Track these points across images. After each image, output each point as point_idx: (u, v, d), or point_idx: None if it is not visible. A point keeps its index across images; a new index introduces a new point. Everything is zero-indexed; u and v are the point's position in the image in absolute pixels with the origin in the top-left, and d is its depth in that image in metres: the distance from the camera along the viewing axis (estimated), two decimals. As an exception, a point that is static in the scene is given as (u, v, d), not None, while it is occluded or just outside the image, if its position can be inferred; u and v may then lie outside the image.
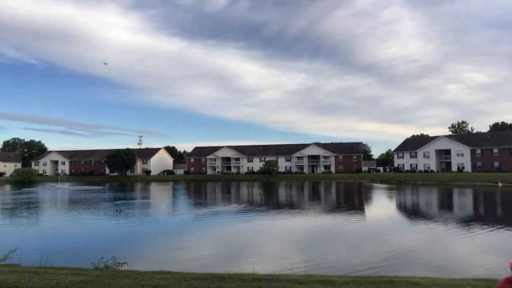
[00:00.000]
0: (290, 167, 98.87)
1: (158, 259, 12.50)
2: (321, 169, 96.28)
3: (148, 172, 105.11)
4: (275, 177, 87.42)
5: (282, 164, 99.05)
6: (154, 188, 61.32)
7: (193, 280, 6.20)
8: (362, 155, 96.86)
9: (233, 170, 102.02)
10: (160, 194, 47.79)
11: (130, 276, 6.55)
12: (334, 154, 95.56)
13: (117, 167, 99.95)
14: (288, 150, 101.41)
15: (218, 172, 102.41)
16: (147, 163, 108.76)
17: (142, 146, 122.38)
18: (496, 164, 74.73)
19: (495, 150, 75.56)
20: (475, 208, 29.44)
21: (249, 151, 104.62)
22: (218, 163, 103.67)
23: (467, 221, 20.79)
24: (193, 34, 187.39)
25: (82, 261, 10.40)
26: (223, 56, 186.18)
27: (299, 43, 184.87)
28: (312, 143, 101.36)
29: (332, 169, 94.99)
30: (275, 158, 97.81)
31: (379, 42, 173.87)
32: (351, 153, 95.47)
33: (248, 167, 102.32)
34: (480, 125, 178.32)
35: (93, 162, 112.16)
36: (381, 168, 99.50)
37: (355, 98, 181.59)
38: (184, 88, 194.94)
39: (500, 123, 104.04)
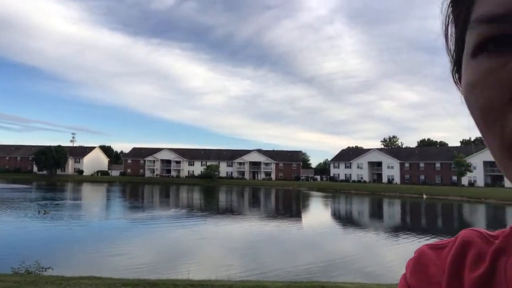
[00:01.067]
0: (232, 172, 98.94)
1: (87, 265, 11.76)
2: (261, 176, 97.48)
3: (80, 172, 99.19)
4: (216, 181, 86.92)
5: (224, 169, 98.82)
6: (86, 189, 57.97)
7: (123, 286, 5.89)
8: (301, 163, 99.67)
9: (173, 174, 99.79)
10: (92, 196, 45.28)
11: (55, 282, 6.05)
12: (275, 162, 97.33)
13: (46, 165, 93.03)
14: (230, 155, 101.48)
15: (157, 175, 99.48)
16: (79, 162, 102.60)
17: (76, 144, 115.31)
18: (422, 177, 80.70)
19: (422, 165, 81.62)
20: (402, 218, 31.50)
21: (190, 155, 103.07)
22: (158, 165, 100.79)
23: (395, 230, 22.16)
24: (137, 31, 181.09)
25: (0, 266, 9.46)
26: (168, 56, 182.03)
27: (246, 49, 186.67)
28: (254, 150, 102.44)
29: (273, 176, 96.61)
30: (217, 163, 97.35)
31: (322, 56, 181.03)
32: (291, 161, 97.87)
33: (188, 171, 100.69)
34: (409, 140, 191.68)
35: (19, 159, 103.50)
36: (318, 177, 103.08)
37: (297, 108, 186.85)
38: (124, 85, 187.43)
39: (426, 140, 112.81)
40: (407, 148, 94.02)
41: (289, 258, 13.74)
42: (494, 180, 73.11)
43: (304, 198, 49.87)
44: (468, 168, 64.54)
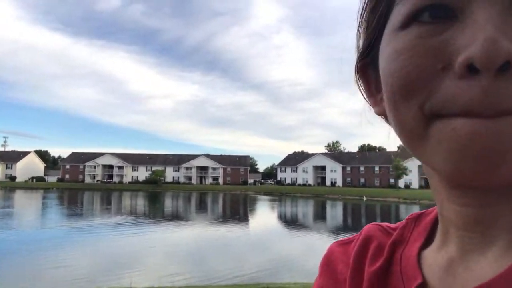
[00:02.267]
0: (178, 177, 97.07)
1: (19, 278, 10.93)
2: (209, 180, 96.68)
3: (12, 178, 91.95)
4: (161, 187, 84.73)
5: (170, 174, 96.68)
6: (19, 196, 53.85)
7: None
8: (249, 168, 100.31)
9: (116, 179, 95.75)
10: (26, 203, 42.16)
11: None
12: (223, 166, 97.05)
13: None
14: (177, 160, 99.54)
15: (98, 180, 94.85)
16: (12, 167, 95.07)
17: (8, 149, 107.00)
18: (362, 180, 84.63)
19: (362, 168, 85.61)
20: (344, 219, 32.82)
21: (134, 160, 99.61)
22: (99, 171, 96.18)
23: (337, 230, 23.04)
24: (79, 31, 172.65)
25: None
26: (112, 59, 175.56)
27: (195, 54, 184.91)
28: (202, 154, 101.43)
29: (220, 180, 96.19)
30: (163, 168, 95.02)
31: (269, 64, 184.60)
32: (239, 165, 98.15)
33: (132, 176, 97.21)
34: (351, 145, 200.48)
35: None
36: (265, 181, 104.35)
37: (246, 114, 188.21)
38: (63, 87, 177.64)
39: (367, 145, 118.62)
40: (349, 153, 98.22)
41: (237, 262, 13.77)
42: (427, 183, 78.39)
43: (251, 202, 50.22)
44: (404, 171, 68.74)
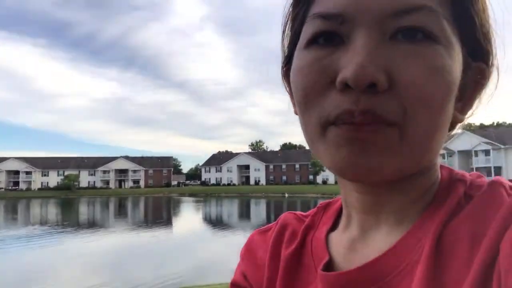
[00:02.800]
0: (95, 182, 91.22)
1: None
2: (129, 184, 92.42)
3: None
4: (75, 193, 78.86)
5: (85, 178, 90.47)
6: None
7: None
8: (172, 169, 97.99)
9: (22, 186, 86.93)
10: None
11: None
12: (144, 168, 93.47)
13: None
14: (93, 163, 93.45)
15: (1, 188, 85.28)
16: None
17: None
18: (284, 177, 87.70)
19: (284, 166, 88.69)
20: (267, 216, 33.68)
21: (44, 164, 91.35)
22: (2, 177, 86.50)
23: (261, 227, 23.56)
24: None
25: None
26: (15, 52, 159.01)
27: (111, 50, 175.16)
28: (120, 156, 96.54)
29: (142, 183, 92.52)
30: (77, 172, 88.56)
31: (192, 62, 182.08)
32: (162, 167, 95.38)
33: (42, 182, 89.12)
34: (273, 144, 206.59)
35: None
36: (190, 182, 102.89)
37: (168, 113, 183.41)
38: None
39: (288, 143, 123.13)
40: (272, 151, 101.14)
41: (160, 267, 13.39)
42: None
43: (175, 205, 49.15)
44: (321, 168, 72.67)
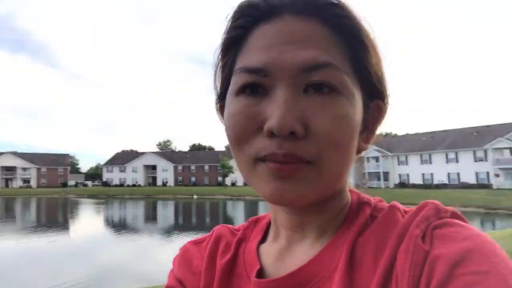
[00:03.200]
0: (-27, 180, 79.73)
1: None
2: (18, 183, 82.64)
3: None
4: None
5: (-39, 176, 78.59)
6: None
7: None
8: (69, 168, 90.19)
9: None
10: None
11: None
12: (36, 166, 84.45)
13: None
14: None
15: None
16: None
17: None
18: (193, 179, 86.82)
19: (193, 167, 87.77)
20: (175, 218, 33.08)
21: None
22: None
23: (168, 230, 23.08)
24: None
25: None
26: None
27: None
28: (7, 152, 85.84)
29: (33, 183, 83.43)
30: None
31: (89, 51, 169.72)
32: (57, 165, 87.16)
33: None
34: (183, 144, 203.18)
35: None
36: (89, 182, 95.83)
37: (65, 105, 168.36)
38: None
39: (197, 144, 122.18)
40: (180, 152, 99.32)
41: (57, 275, 12.32)
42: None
43: (72, 207, 45.32)
44: (230, 170, 73.66)
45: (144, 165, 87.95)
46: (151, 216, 35.37)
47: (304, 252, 0.49)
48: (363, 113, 0.46)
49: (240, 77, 0.44)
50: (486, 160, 48.44)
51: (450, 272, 0.35)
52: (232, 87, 0.46)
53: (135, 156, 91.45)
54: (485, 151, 48.62)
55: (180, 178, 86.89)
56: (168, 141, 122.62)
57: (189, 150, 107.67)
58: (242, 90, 0.44)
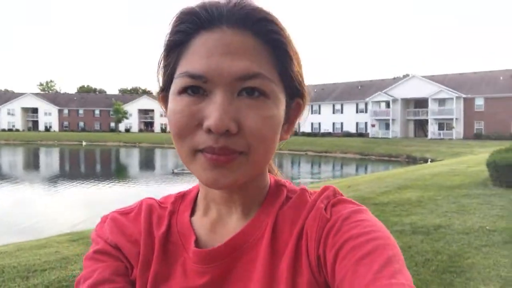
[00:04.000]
0: None
1: None
2: None
3: None
4: None
5: None
6: None
7: None
8: None
9: None
10: None
11: None
12: None
13: None
14: None
15: None
16: None
17: None
18: (82, 124, 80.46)
19: (81, 111, 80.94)
20: (61, 166, 30.66)
21: None
22: None
23: (53, 179, 21.38)
24: None
25: None
26: None
27: None
28: None
29: None
30: None
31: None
32: None
33: None
34: (69, 86, 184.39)
35: None
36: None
37: None
38: None
39: (86, 86, 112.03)
40: (66, 94, 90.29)
41: None
42: (146, 126, 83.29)
43: None
44: (125, 115, 69.92)
45: (23, 108, 78.22)
46: (32, 164, 32.19)
47: (233, 224, 0.58)
48: (285, 110, 0.55)
49: (183, 80, 0.50)
50: (366, 112, 54.26)
51: (341, 224, 0.52)
52: (175, 87, 0.51)
53: (11, 97, 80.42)
54: (366, 104, 54.25)
55: (66, 123, 79.72)
56: (52, 81, 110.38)
57: (76, 93, 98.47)
58: (184, 90, 0.50)
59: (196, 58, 0.50)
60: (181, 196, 0.65)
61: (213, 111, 0.48)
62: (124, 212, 0.64)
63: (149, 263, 0.58)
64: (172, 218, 0.62)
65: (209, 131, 0.48)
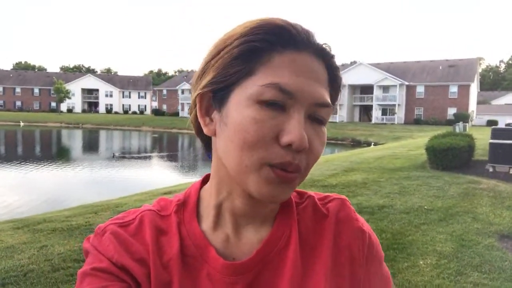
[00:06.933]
0: None
1: None
2: None
3: None
4: None
5: None
6: None
7: None
8: None
9: None
10: None
11: None
12: None
13: None
14: None
15: None
16: None
17: None
18: (19, 103, 74.95)
19: (18, 90, 75.37)
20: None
21: None
22: None
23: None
24: None
25: None
26: None
27: None
28: None
29: None
30: None
31: None
32: None
33: None
34: (4, 62, 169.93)
35: None
36: None
37: None
38: None
39: (23, 63, 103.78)
40: (1, 71, 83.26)
41: None
42: (90, 107, 79.25)
43: None
44: (67, 95, 65.96)
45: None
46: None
47: (252, 235, 0.58)
48: None
49: (272, 92, 0.49)
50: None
51: (370, 240, 0.61)
52: (256, 95, 0.50)
53: None
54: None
55: (0, 102, 73.74)
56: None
57: (12, 69, 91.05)
58: (265, 102, 0.49)
59: (286, 73, 0.50)
60: (182, 204, 0.61)
61: (295, 127, 0.48)
62: (123, 224, 0.58)
63: (168, 284, 0.55)
64: (181, 230, 0.58)
65: (288, 146, 0.49)
